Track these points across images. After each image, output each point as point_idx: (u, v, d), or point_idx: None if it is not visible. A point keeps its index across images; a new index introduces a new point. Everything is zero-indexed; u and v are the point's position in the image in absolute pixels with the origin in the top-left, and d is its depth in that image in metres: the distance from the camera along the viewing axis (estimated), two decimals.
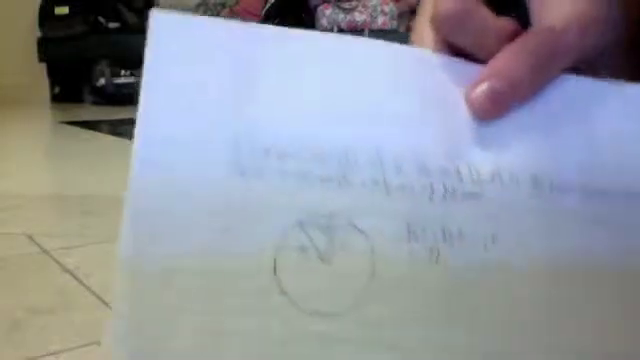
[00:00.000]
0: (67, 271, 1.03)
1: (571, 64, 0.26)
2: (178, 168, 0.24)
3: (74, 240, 1.13)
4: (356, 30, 3.36)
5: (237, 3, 3.64)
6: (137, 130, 0.25)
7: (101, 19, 3.66)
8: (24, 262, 1.10)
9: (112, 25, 3.69)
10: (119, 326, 0.24)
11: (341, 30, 3.44)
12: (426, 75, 0.27)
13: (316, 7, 3.56)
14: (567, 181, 0.25)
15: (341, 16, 3.48)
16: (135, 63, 3.54)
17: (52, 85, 3.83)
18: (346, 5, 3.49)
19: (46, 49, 3.69)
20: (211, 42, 0.26)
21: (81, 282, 0.96)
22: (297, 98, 0.26)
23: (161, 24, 0.26)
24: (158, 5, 3.67)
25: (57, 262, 1.08)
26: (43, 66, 3.77)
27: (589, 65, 0.27)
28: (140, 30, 4.01)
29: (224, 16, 3.61)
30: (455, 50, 0.27)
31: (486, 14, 0.26)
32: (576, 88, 0.26)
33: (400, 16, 3.40)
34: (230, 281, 0.24)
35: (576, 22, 0.26)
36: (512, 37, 0.26)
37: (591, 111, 0.26)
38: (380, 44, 0.27)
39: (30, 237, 1.21)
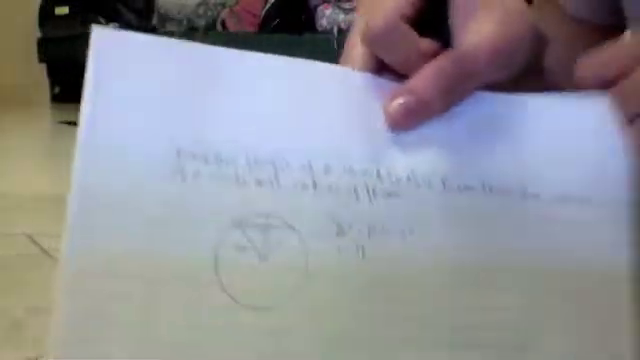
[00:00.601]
0: None
1: (482, 84, 0.30)
2: (119, 174, 0.26)
3: None
4: None
5: (237, 3, 3.64)
6: (78, 137, 0.26)
7: (101, 19, 3.66)
8: (24, 262, 1.10)
9: (112, 25, 3.69)
10: (58, 322, 0.26)
11: (341, 30, 3.44)
12: (351, 90, 0.30)
13: (316, 7, 3.56)
14: (473, 182, 0.29)
15: (341, 16, 3.48)
16: None
17: (52, 85, 3.83)
18: (346, 5, 3.49)
19: (46, 49, 3.69)
20: (151, 57, 0.28)
21: None
22: (233, 110, 0.28)
23: (102, 39, 0.28)
24: (158, 5, 3.67)
25: (57, 262, 1.08)
26: (43, 66, 3.77)
27: (511, 83, 0.31)
28: (140, 30, 4.00)
29: (224, 16, 3.61)
30: (382, 65, 0.30)
31: (411, 35, 0.29)
32: (490, 103, 0.30)
33: None
34: (172, 280, 0.26)
35: (486, 47, 0.29)
36: (433, 57, 0.29)
37: (496, 121, 0.30)
38: (310, 63, 0.30)
39: (30, 237, 1.21)
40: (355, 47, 0.31)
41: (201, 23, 3.57)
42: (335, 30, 3.46)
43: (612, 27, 0.39)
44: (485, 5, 0.30)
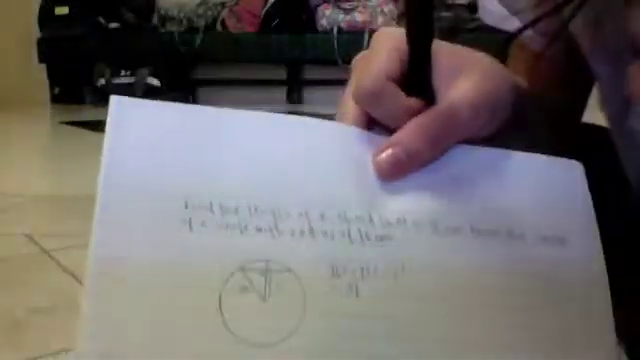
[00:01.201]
0: (67, 271, 1.03)
1: (464, 138, 0.33)
2: (136, 219, 0.29)
3: (74, 240, 1.13)
4: (356, 30, 3.36)
5: (237, 3, 3.64)
6: (98, 191, 0.29)
7: (101, 19, 3.66)
8: (24, 262, 1.10)
9: (112, 25, 3.69)
10: (87, 322, 0.28)
11: (341, 30, 3.44)
12: (344, 144, 0.33)
13: (316, 7, 3.56)
14: (460, 225, 0.32)
15: (341, 16, 3.48)
16: (135, 63, 3.55)
17: (52, 85, 3.83)
18: (346, 5, 3.49)
19: (46, 49, 3.69)
20: (161, 120, 0.31)
21: (81, 282, 0.96)
22: (235, 165, 0.31)
23: (120, 105, 0.31)
24: (158, 5, 3.67)
25: (57, 262, 1.08)
26: (43, 66, 3.77)
27: (494, 137, 0.34)
28: (140, 30, 4.00)
29: (224, 16, 3.61)
30: (372, 120, 0.33)
31: (397, 92, 0.32)
32: (473, 156, 0.33)
33: (400, 17, 3.40)
34: (179, 318, 0.28)
35: (467, 102, 0.32)
36: (418, 113, 0.32)
37: (480, 172, 0.33)
38: (306, 120, 0.33)
39: (30, 237, 1.21)
40: (347, 105, 0.34)
41: (201, 23, 3.57)
42: (335, 30, 3.46)
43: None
44: (466, 67, 0.33)
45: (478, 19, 3.17)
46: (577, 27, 0.40)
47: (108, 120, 0.31)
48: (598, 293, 0.32)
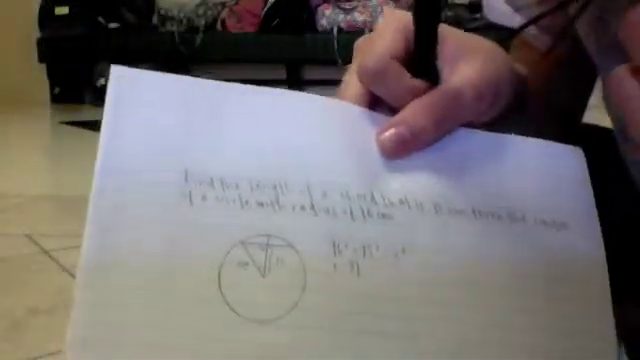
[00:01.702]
0: (67, 271, 1.03)
1: (467, 120, 0.33)
2: (134, 195, 0.29)
3: (74, 240, 1.13)
4: (356, 30, 3.36)
5: (237, 3, 3.64)
6: (97, 162, 0.29)
7: (101, 19, 3.66)
8: (24, 262, 1.10)
9: (112, 25, 3.69)
10: (77, 317, 0.27)
11: (341, 30, 3.44)
12: (347, 122, 0.33)
13: (316, 7, 3.56)
14: (463, 207, 0.32)
15: (341, 16, 3.48)
16: (135, 63, 3.55)
17: (52, 85, 3.83)
18: (346, 5, 3.49)
19: (46, 49, 3.69)
20: (162, 93, 0.31)
21: None
22: (236, 139, 0.31)
23: (120, 76, 0.31)
24: (158, 5, 3.67)
25: (57, 262, 1.08)
26: (43, 66, 3.77)
27: (496, 122, 0.34)
28: (140, 30, 3.99)
29: (224, 16, 3.61)
30: (375, 99, 0.33)
31: (401, 72, 0.32)
32: (475, 140, 0.33)
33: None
34: (178, 292, 0.28)
35: (471, 86, 0.32)
36: (422, 93, 0.32)
37: (482, 156, 0.33)
38: (309, 96, 0.33)
39: (30, 237, 1.21)
40: (350, 83, 0.34)
41: (201, 23, 3.57)
42: (335, 30, 3.46)
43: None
44: (470, 50, 0.34)
45: (478, 19, 3.17)
46: (582, 26, 0.40)
47: (108, 91, 0.30)
48: (597, 277, 0.32)
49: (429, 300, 0.30)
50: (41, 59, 3.73)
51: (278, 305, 0.28)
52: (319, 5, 3.56)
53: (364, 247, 0.30)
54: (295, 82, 3.86)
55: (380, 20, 0.36)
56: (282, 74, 3.84)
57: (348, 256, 0.29)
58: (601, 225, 0.33)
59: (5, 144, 2.48)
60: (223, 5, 3.63)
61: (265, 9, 3.58)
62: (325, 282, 0.29)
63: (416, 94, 0.32)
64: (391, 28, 0.33)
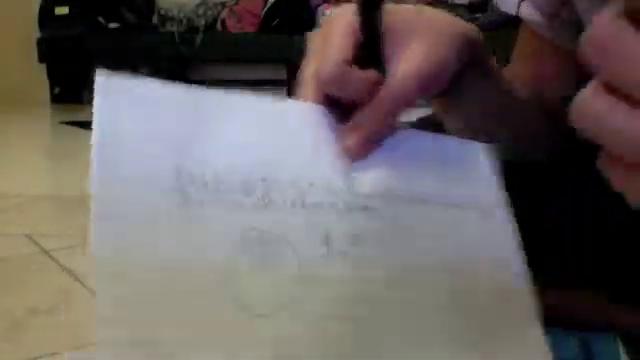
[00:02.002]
0: (67, 271, 1.03)
1: (409, 107, 0.36)
2: (131, 203, 0.29)
3: (74, 240, 1.13)
4: None
5: (237, 3, 3.63)
6: (92, 173, 0.29)
7: (101, 19, 3.66)
8: (24, 262, 1.10)
9: (112, 25, 3.69)
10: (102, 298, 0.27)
11: None
12: (313, 123, 0.35)
13: (316, 7, 3.56)
14: (420, 196, 0.35)
15: None
16: (135, 63, 3.54)
17: (52, 85, 3.83)
18: None
19: (46, 49, 3.69)
20: (153, 98, 0.32)
21: (81, 282, 0.97)
22: (226, 141, 0.32)
23: (106, 85, 0.31)
24: (158, 5, 3.67)
25: (57, 262, 1.08)
26: (43, 66, 3.77)
27: (448, 91, 0.38)
28: (140, 30, 3.99)
29: (224, 16, 3.61)
30: (330, 97, 0.36)
31: (356, 74, 0.35)
32: (411, 138, 0.37)
33: None
34: (177, 292, 0.28)
35: (414, 73, 0.36)
36: (375, 84, 0.35)
37: (417, 153, 0.37)
38: (288, 103, 0.36)
39: (30, 237, 1.21)
40: (308, 85, 0.37)
41: (201, 23, 3.56)
42: None
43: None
44: (417, 34, 0.37)
45: (478, 19, 3.17)
46: (584, 10, 0.40)
47: (95, 98, 0.30)
48: (513, 258, 0.35)
49: (402, 280, 0.32)
50: (41, 59, 3.72)
51: (276, 298, 0.29)
52: (319, 5, 3.56)
53: (353, 236, 0.32)
54: (295, 82, 3.86)
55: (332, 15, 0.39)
56: (282, 74, 3.84)
57: (339, 246, 0.31)
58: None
59: (5, 144, 2.48)
60: (223, 5, 3.63)
61: (265, 9, 3.58)
62: (319, 272, 0.30)
63: (368, 87, 0.35)
64: (340, 32, 0.36)
